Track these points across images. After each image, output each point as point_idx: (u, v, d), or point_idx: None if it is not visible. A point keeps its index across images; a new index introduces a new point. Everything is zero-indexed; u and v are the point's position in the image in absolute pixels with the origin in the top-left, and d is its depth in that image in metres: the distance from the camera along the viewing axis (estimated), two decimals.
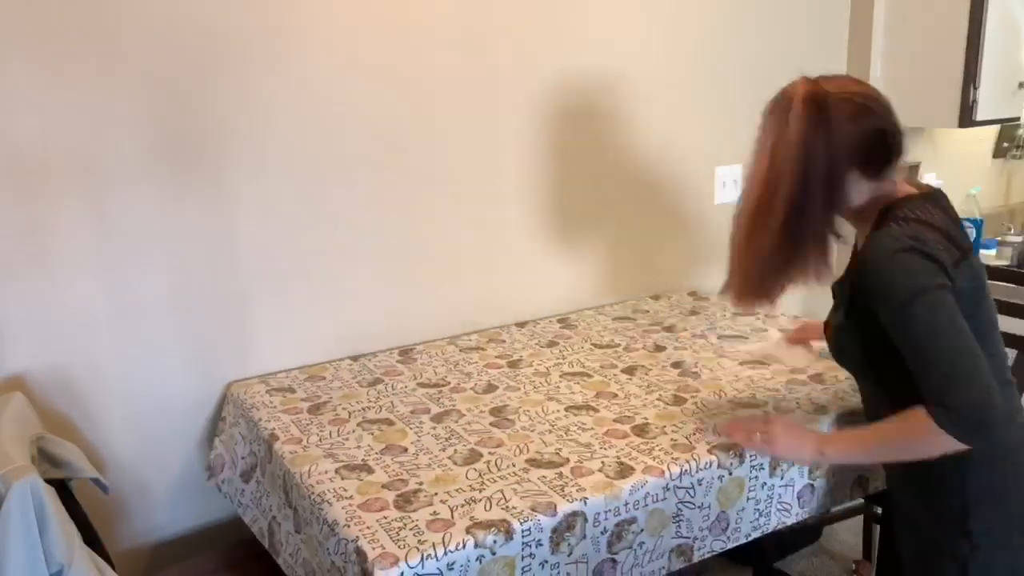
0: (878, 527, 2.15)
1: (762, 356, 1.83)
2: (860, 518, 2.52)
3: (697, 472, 1.38)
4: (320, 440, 1.53)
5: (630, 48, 2.23)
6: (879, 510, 2.21)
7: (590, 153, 2.23)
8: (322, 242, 1.88)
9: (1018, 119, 2.73)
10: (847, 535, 2.66)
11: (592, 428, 1.53)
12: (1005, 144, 3.20)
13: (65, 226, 1.60)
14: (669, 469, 1.36)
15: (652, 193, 2.38)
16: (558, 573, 1.24)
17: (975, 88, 2.49)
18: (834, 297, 1.40)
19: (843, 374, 1.72)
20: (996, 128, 3.13)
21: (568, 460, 1.41)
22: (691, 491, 1.37)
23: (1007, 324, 2.17)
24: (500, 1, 1.99)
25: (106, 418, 1.71)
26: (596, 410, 1.61)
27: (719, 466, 1.40)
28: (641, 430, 1.51)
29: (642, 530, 1.31)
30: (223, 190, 1.74)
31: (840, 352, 1.40)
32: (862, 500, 2.37)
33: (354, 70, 1.84)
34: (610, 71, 2.21)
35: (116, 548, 1.72)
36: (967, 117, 2.52)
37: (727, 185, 2.53)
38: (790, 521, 1.51)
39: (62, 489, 1.38)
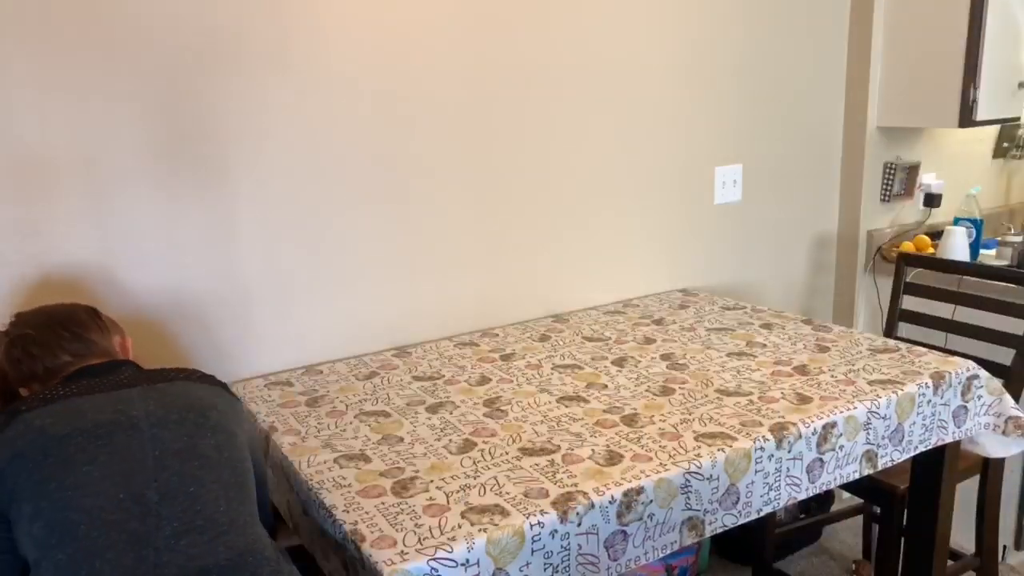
0: (878, 527, 2.15)
1: None
2: (860, 518, 2.52)
3: (686, 455, 1.41)
4: (319, 431, 1.57)
5: (630, 48, 2.23)
6: (878, 510, 2.22)
7: (588, 152, 2.24)
8: (324, 242, 1.88)
9: (1018, 119, 2.73)
10: (847, 535, 2.66)
11: (583, 418, 1.57)
12: (1005, 144, 3.20)
13: (65, 226, 1.60)
14: (657, 456, 1.40)
15: (652, 192, 2.38)
16: (568, 543, 1.26)
17: (975, 88, 2.49)
18: None
19: (826, 365, 1.73)
20: (996, 128, 3.13)
21: (559, 448, 1.45)
22: (695, 462, 1.39)
23: (1008, 324, 2.18)
24: (501, 5, 2.00)
25: None
26: (587, 401, 1.64)
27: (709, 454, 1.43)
28: (630, 420, 1.55)
29: (651, 501, 1.34)
30: (224, 190, 1.74)
31: None
32: (862, 500, 2.38)
33: (355, 70, 1.84)
34: (609, 70, 2.22)
35: None
36: (967, 117, 2.52)
37: (727, 185, 2.53)
38: (800, 496, 1.54)
39: None
